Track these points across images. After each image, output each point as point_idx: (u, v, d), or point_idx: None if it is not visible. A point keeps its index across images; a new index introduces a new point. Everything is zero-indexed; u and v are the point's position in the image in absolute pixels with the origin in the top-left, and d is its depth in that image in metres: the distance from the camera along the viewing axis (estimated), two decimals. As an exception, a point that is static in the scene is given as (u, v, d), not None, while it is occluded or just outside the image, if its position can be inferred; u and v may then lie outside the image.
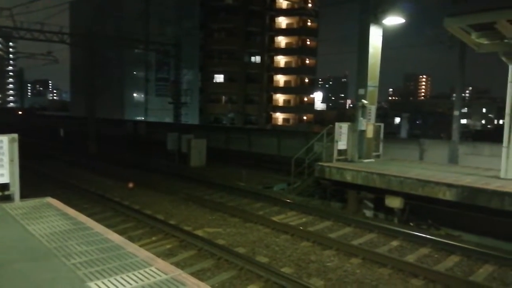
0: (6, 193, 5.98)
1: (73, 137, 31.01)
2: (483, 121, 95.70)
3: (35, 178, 14.25)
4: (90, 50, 24.21)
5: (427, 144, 16.60)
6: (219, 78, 53.61)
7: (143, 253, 4.22)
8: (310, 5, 57.87)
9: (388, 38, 13.38)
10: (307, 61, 57.60)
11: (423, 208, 9.59)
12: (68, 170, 17.07)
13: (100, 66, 28.23)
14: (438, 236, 8.48)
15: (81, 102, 47.67)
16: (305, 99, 58.74)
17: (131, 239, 7.68)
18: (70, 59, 67.56)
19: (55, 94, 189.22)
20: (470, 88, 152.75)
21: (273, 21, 55.04)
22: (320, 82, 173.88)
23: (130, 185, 13.28)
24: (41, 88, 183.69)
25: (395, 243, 8.25)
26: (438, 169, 11.34)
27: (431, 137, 32.58)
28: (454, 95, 17.81)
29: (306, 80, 58.46)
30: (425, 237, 8.25)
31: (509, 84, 9.71)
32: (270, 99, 55.85)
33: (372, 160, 12.84)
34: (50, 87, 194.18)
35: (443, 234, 9.00)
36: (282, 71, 56.68)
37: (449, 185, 8.81)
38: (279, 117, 57.31)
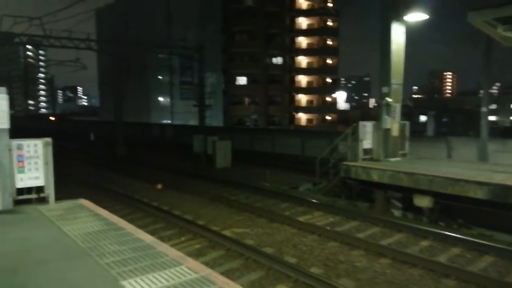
0: (42, 195, 6.19)
1: (102, 141, 31.77)
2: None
3: (67, 180, 14.66)
4: (116, 56, 24.79)
5: (454, 142, 16.19)
6: (242, 80, 53.80)
7: (173, 253, 4.28)
8: (330, 4, 57.38)
9: (412, 34, 13.15)
10: (329, 61, 57.11)
11: (454, 207, 9.37)
12: (99, 173, 17.52)
13: (126, 71, 28.86)
14: (470, 236, 8.27)
15: (110, 107, 48.78)
16: (328, 99, 58.21)
17: (161, 239, 7.78)
18: (98, 65, 69.43)
19: (84, 100, 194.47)
20: (498, 84, 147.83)
21: (293, 22, 54.82)
22: (342, 82, 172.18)
23: (159, 186, 13.50)
24: (71, 94, 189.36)
25: (425, 243, 8.09)
26: (468, 167, 11.05)
27: (459, 135, 31.82)
28: (481, 91, 17.30)
29: (329, 80, 57.96)
30: (456, 237, 8.06)
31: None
32: (292, 99, 55.62)
33: (399, 159, 12.64)
34: (80, 93, 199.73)
35: (475, 233, 8.77)
36: (304, 71, 56.36)
37: (480, 183, 8.57)
38: (302, 117, 57.01)
